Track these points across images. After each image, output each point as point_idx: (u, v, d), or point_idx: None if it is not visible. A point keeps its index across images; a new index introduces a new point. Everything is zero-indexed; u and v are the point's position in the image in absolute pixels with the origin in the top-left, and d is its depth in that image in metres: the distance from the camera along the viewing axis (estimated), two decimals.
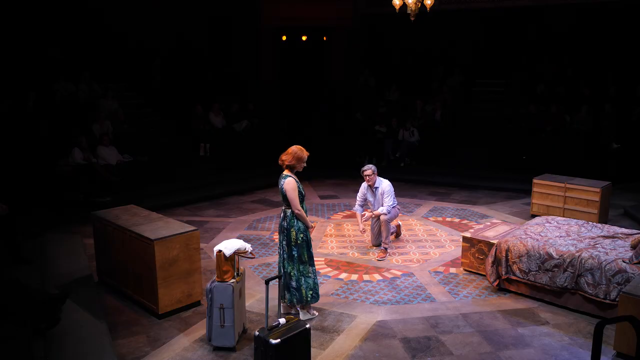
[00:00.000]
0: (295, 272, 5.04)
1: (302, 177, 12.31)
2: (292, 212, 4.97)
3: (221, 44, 15.33)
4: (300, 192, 5.00)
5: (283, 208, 5.08)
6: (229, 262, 4.58)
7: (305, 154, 5.04)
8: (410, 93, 13.90)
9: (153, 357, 4.53)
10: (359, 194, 7.23)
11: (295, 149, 5.03)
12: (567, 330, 5.00)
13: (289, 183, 4.91)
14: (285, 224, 5.02)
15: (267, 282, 4.14)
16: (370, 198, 7.14)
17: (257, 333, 3.79)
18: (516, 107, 12.46)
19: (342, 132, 13.26)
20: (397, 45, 15.77)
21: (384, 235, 6.88)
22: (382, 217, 6.84)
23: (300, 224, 5.00)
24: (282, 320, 4.00)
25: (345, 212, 9.04)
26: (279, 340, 3.76)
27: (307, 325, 4.04)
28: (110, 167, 9.57)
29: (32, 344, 4.00)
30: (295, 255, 5.02)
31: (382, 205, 6.92)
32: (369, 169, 6.97)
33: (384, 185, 6.99)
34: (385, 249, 6.93)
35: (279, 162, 5.03)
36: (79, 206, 8.74)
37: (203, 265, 6.10)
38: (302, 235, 4.99)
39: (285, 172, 5.01)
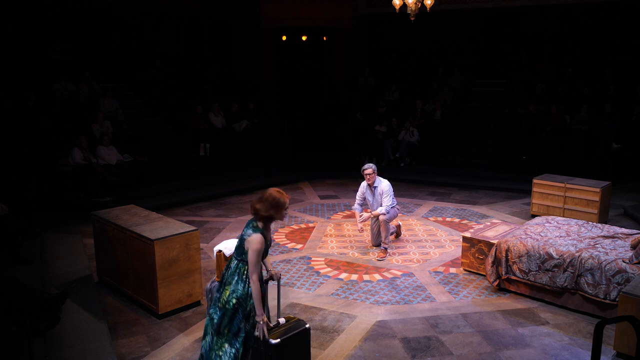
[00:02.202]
0: (207, 342, 3.84)
1: (303, 177, 12.33)
2: (239, 265, 3.79)
3: (221, 43, 15.35)
4: (264, 250, 3.82)
5: (232, 258, 3.89)
6: None
7: (285, 198, 3.82)
8: (410, 93, 13.91)
9: (153, 357, 4.53)
10: (358, 193, 7.24)
11: (273, 194, 3.79)
12: (567, 330, 5.00)
13: (254, 239, 3.69)
14: (224, 277, 3.84)
15: (266, 282, 4.13)
16: (369, 197, 7.14)
17: (256, 333, 3.81)
18: (516, 107, 12.47)
19: (342, 132, 13.27)
20: (397, 45, 15.79)
21: (383, 235, 6.88)
22: (381, 217, 6.84)
23: (239, 287, 3.75)
24: (282, 320, 3.99)
25: (345, 212, 9.04)
26: (278, 340, 3.72)
27: (307, 325, 4.02)
28: (110, 167, 9.57)
29: (32, 344, 3.99)
30: (215, 319, 3.77)
31: (381, 205, 6.92)
32: (369, 168, 6.97)
33: (383, 185, 6.99)
34: (385, 249, 6.93)
35: (252, 210, 3.79)
36: (79, 206, 8.76)
37: (203, 265, 6.10)
38: (234, 301, 3.73)
39: (256, 224, 3.77)
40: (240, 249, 3.78)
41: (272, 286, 4.52)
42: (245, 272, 3.76)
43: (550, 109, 11.73)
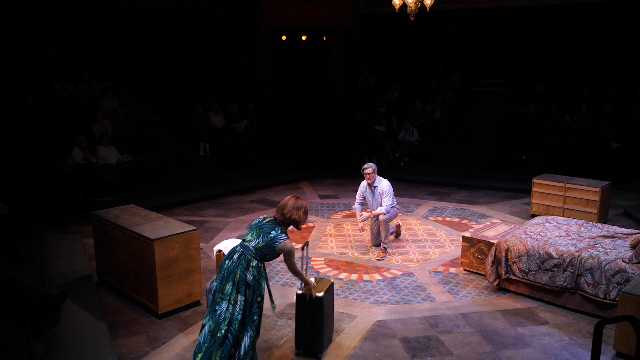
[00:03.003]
0: (250, 344, 3.86)
1: (303, 177, 12.35)
2: (259, 264, 3.88)
3: (221, 43, 15.35)
4: None
5: (245, 257, 3.86)
6: None
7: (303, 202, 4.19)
8: (410, 93, 13.91)
9: (153, 357, 4.53)
10: (359, 193, 7.24)
11: (293, 202, 4.11)
12: (567, 330, 5.00)
13: (289, 245, 3.95)
14: (251, 278, 3.82)
15: (302, 248, 4.89)
16: (369, 197, 7.14)
17: (299, 292, 4.39)
18: (516, 107, 12.47)
19: (341, 132, 13.27)
20: (397, 45, 15.79)
21: (383, 235, 6.88)
22: (380, 218, 6.84)
23: (262, 286, 3.90)
24: (312, 280, 4.48)
25: (345, 212, 9.04)
26: (323, 293, 4.38)
27: (332, 280, 4.72)
28: (110, 167, 9.57)
29: (32, 344, 3.99)
30: (257, 319, 3.90)
31: (381, 205, 6.92)
32: (369, 167, 6.97)
33: (383, 185, 6.99)
34: (385, 249, 6.93)
35: (279, 216, 4.06)
36: (79, 206, 8.76)
37: (203, 265, 6.10)
38: (259, 299, 3.89)
39: (284, 228, 4.04)
40: (266, 251, 3.88)
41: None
42: (263, 271, 3.92)
43: (550, 109, 11.74)
